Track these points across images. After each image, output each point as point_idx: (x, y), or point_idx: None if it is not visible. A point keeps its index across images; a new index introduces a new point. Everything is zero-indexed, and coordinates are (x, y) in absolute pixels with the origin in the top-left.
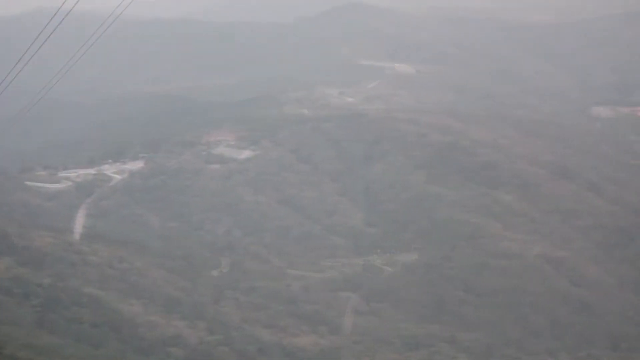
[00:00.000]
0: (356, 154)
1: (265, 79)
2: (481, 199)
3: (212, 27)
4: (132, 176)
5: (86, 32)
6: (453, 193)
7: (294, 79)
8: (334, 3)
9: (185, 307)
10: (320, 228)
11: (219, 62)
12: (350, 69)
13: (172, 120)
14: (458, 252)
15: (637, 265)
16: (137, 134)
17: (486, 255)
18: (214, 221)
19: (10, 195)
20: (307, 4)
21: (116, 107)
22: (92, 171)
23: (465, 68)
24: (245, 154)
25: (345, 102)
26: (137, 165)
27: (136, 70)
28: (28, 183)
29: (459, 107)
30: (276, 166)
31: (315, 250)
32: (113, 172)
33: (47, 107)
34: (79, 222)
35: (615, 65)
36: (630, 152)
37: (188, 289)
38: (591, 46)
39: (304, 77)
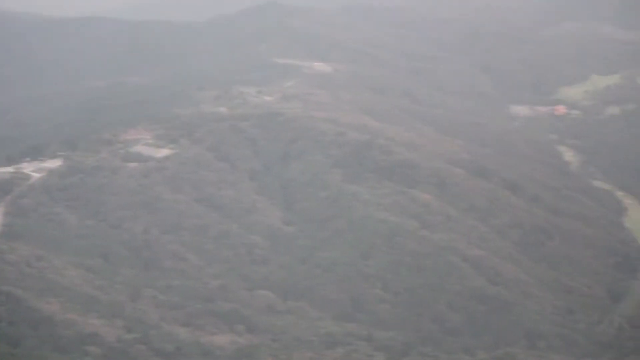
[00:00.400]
0: (274, 153)
1: (183, 78)
2: (398, 198)
3: (128, 26)
4: (50, 174)
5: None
6: (370, 191)
7: (212, 77)
8: (251, 2)
9: (102, 306)
10: (237, 227)
11: (135, 61)
12: (268, 67)
13: (89, 119)
14: (375, 250)
15: (553, 263)
16: (55, 132)
17: (403, 253)
18: (132, 219)
19: None
20: (225, 3)
21: (33, 106)
22: (10, 169)
23: (382, 66)
24: (163, 152)
25: (262, 100)
26: (55, 163)
27: (53, 70)
28: None
29: (377, 106)
30: (194, 165)
31: (233, 248)
32: (31, 170)
33: None
34: None
35: (533, 64)
36: (547, 150)
37: (106, 288)
38: (508, 45)
39: (221, 76)
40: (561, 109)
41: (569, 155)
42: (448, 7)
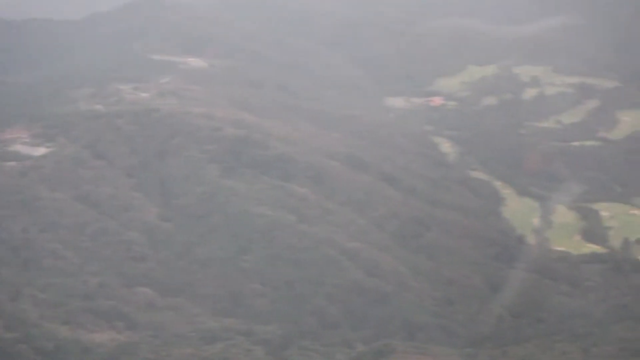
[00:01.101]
0: (151, 149)
1: (58, 76)
2: (275, 192)
3: (4, 25)
4: None
5: None
6: (247, 186)
7: (87, 75)
8: None
9: None
10: (116, 224)
11: (11, 60)
12: (144, 64)
13: None
14: (253, 245)
15: (432, 254)
16: None
17: (281, 247)
18: (9, 219)
19: None
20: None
21: None
22: None
23: (259, 61)
24: (41, 150)
25: (139, 97)
26: None
27: None
28: None
29: (253, 101)
30: (71, 163)
31: (111, 246)
32: None
33: None
34: None
35: (407, 55)
36: (424, 142)
37: None
38: (382, 37)
39: (97, 74)
40: (437, 100)
41: (445, 146)
42: (323, 0)
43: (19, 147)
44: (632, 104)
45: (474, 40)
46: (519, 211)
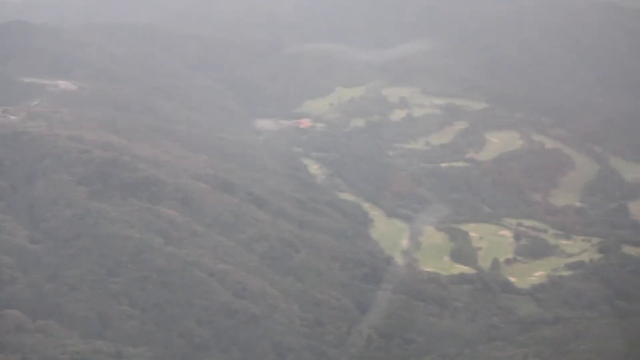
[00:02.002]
0: (20, 172)
1: None
2: (143, 214)
3: None
4: None
5: None
6: (115, 209)
7: None
8: None
9: None
10: None
11: None
12: (13, 87)
13: None
14: (122, 267)
15: (300, 276)
16: None
17: (150, 269)
18: None
19: None
20: None
21: None
22: None
23: (127, 84)
24: None
25: (7, 120)
26: None
27: None
28: None
29: (122, 123)
30: None
31: None
32: None
33: None
34: None
35: (276, 78)
36: (293, 164)
37: None
38: (250, 60)
39: None
40: (306, 122)
41: (314, 168)
42: (192, 23)
43: None
44: (501, 125)
45: (342, 63)
46: (387, 232)
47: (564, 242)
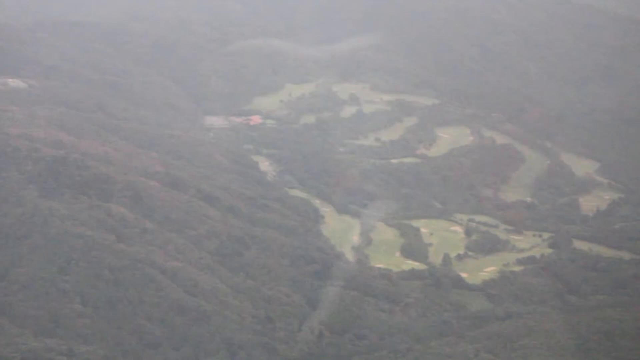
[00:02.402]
0: None
1: None
2: (94, 212)
3: None
4: None
5: None
6: (66, 207)
7: None
8: None
9: None
10: None
11: None
12: None
13: None
14: (73, 265)
15: (251, 273)
16: None
17: (101, 267)
18: None
19: None
20: None
21: None
22: None
23: (77, 82)
24: None
25: None
26: None
27: None
28: None
29: (72, 121)
30: None
31: None
32: None
33: None
34: None
35: (225, 75)
36: (243, 161)
37: None
38: (200, 57)
39: None
40: (256, 119)
41: (265, 165)
42: (141, 21)
43: None
44: (451, 121)
45: (291, 59)
46: (338, 229)
47: (515, 237)
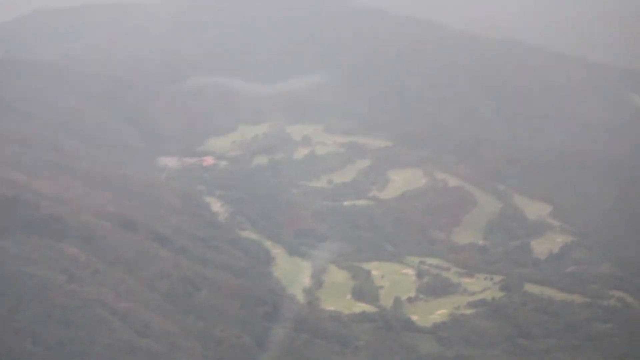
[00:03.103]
0: None
1: None
2: (46, 252)
3: None
4: None
5: None
6: (18, 246)
7: None
8: None
9: None
10: None
11: None
12: None
13: None
14: (24, 305)
15: (202, 314)
16: None
17: (52, 307)
18: None
19: None
20: None
21: None
22: None
23: (30, 121)
24: None
25: None
26: None
27: None
28: None
29: (24, 160)
30: None
31: None
32: None
33: None
34: None
35: (180, 115)
36: (195, 202)
37: None
38: (152, 97)
39: None
40: (209, 160)
41: (217, 206)
42: (94, 60)
43: None
44: (404, 163)
45: (244, 99)
46: (289, 271)
47: (467, 280)
